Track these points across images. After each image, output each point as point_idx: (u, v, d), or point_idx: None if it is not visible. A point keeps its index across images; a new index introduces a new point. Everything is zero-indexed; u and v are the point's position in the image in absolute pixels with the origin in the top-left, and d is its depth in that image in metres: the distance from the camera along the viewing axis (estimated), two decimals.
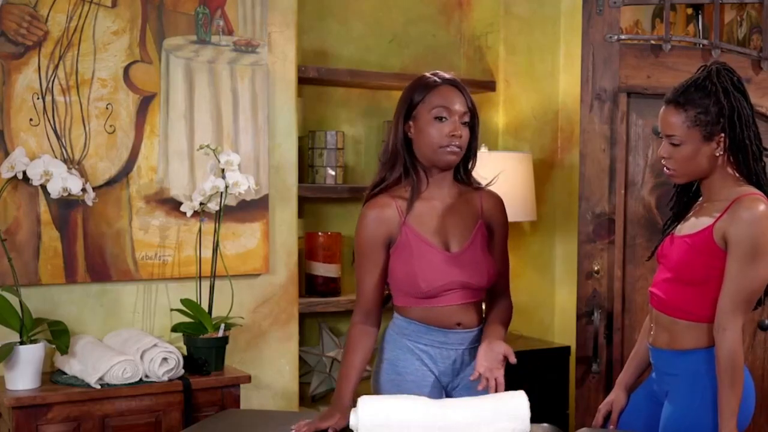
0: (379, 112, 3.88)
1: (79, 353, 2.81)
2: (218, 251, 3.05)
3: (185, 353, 2.95)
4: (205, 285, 3.05)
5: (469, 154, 2.38)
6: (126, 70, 3.04)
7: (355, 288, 2.35)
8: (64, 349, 2.72)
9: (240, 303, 3.20)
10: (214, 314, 3.02)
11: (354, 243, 2.34)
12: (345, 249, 3.63)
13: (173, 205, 3.10)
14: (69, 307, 2.98)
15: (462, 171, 2.39)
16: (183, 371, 2.87)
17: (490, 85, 4.01)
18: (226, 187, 2.98)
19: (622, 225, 3.06)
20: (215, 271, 3.05)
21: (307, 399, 3.67)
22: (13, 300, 2.72)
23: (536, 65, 3.85)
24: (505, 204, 2.46)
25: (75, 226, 2.96)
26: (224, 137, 3.19)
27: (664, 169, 2.29)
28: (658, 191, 3.05)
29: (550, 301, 3.81)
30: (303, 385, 3.62)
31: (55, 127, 2.93)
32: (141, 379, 2.79)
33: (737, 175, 2.24)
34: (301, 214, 3.54)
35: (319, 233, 3.61)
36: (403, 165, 2.31)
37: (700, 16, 3.83)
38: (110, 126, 3.02)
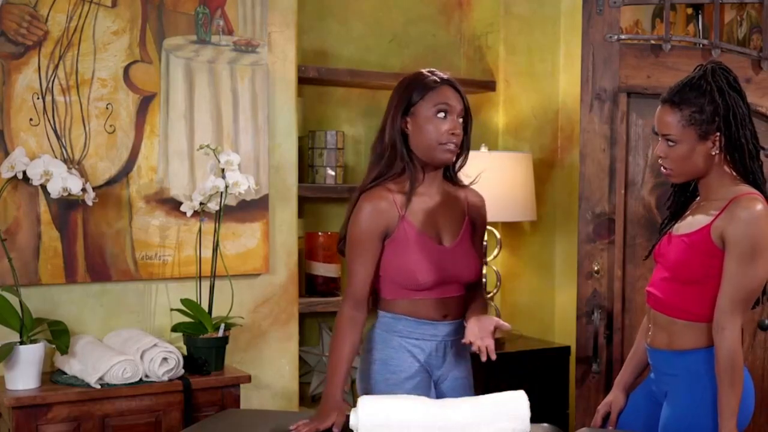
0: (379, 112, 3.84)
1: (79, 353, 2.81)
2: (218, 251, 3.05)
3: (185, 353, 2.95)
4: (205, 285, 3.05)
5: (461, 153, 2.41)
6: (126, 70, 3.04)
7: (347, 277, 2.34)
8: (64, 349, 2.72)
9: (240, 303, 3.20)
10: (214, 314, 3.02)
11: (349, 233, 2.33)
12: None
13: (173, 205, 3.10)
14: (69, 307, 2.98)
15: (451, 169, 2.44)
16: (183, 371, 2.87)
17: (490, 85, 4.01)
18: (226, 187, 2.98)
19: (622, 225, 3.06)
20: (215, 271, 3.05)
21: (307, 399, 3.67)
22: (13, 300, 2.72)
23: (536, 65, 3.85)
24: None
25: (75, 226, 2.96)
26: (224, 137, 3.19)
27: (661, 168, 2.30)
28: (658, 191, 3.05)
29: (550, 301, 3.81)
30: (303, 385, 3.62)
31: (55, 127, 2.93)
32: (141, 379, 2.79)
33: (734, 174, 2.25)
34: (301, 214, 3.54)
35: (319, 233, 3.61)
36: (401, 159, 2.34)
37: (700, 16, 3.83)
38: (110, 126, 3.02)
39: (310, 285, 3.61)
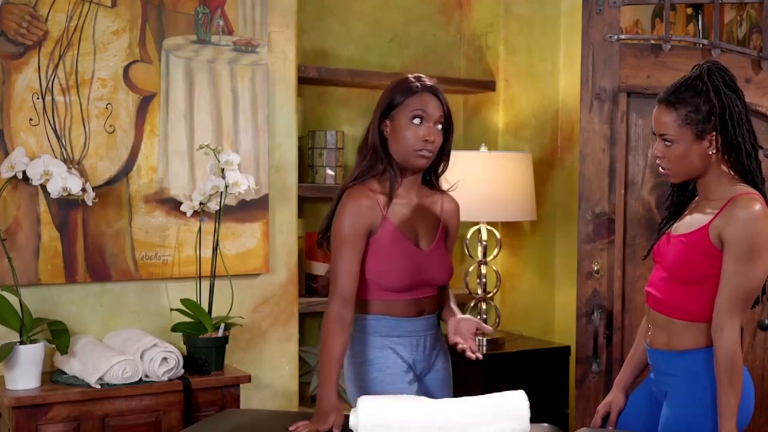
0: None
1: (79, 353, 2.81)
2: (218, 251, 3.05)
3: (185, 353, 2.96)
4: (205, 285, 3.05)
5: (441, 158, 2.44)
6: (126, 69, 3.04)
7: (333, 276, 2.35)
8: (64, 349, 2.72)
9: (240, 303, 3.20)
10: (214, 314, 3.02)
11: (334, 231, 2.35)
12: None
13: (173, 205, 3.10)
14: (69, 307, 2.99)
15: (432, 173, 2.48)
16: (183, 371, 2.87)
17: (490, 85, 4.01)
18: (226, 186, 2.98)
19: (622, 225, 3.06)
20: (215, 271, 3.05)
21: (307, 399, 3.67)
22: (13, 300, 2.72)
23: (536, 65, 3.85)
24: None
25: (75, 226, 2.96)
26: (224, 137, 3.19)
27: (660, 168, 2.30)
28: (657, 191, 3.05)
29: (550, 301, 3.81)
30: (303, 385, 3.62)
31: (55, 126, 2.93)
32: (141, 379, 2.79)
33: (732, 173, 2.25)
34: (301, 213, 3.54)
35: None
36: (381, 162, 2.38)
37: (700, 16, 3.83)
38: (110, 126, 3.02)
39: (310, 285, 3.61)
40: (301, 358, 3.55)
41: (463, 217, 3.53)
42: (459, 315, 2.43)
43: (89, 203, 2.89)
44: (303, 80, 3.54)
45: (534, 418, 2.13)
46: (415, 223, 2.40)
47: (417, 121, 2.33)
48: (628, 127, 3.07)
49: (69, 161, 2.94)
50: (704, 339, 2.22)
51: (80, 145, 2.97)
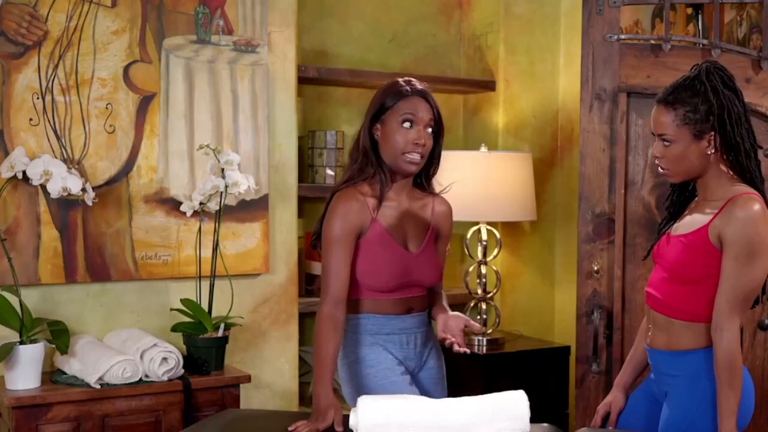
0: None
1: (79, 353, 2.81)
2: (218, 251, 3.05)
3: (185, 353, 2.96)
4: (205, 285, 3.05)
5: (432, 160, 2.46)
6: (126, 69, 3.04)
7: (324, 278, 2.36)
8: (64, 349, 2.71)
9: (240, 303, 3.20)
10: (214, 314, 3.02)
11: (324, 233, 2.37)
12: None
13: (173, 205, 3.10)
14: (69, 307, 2.99)
15: (423, 176, 2.50)
16: (183, 371, 2.87)
17: (490, 85, 4.01)
18: (226, 186, 2.98)
19: (622, 225, 3.06)
20: (215, 271, 3.05)
21: (307, 399, 3.67)
22: (13, 300, 2.72)
23: (536, 65, 3.85)
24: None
25: (75, 226, 2.96)
26: (224, 137, 3.19)
27: (659, 168, 2.31)
28: (657, 191, 3.05)
29: (549, 301, 3.81)
30: (303, 385, 3.62)
31: (54, 126, 2.93)
32: (141, 379, 2.79)
33: (732, 173, 2.25)
34: (301, 213, 3.54)
35: None
36: (371, 165, 2.41)
37: (700, 16, 3.83)
38: (110, 126, 3.02)
39: (310, 285, 3.61)
40: (301, 358, 3.55)
41: (463, 217, 3.55)
42: (448, 312, 2.45)
43: (89, 203, 2.89)
44: (303, 80, 3.54)
45: (534, 418, 2.13)
46: (404, 225, 2.43)
47: (407, 124, 2.36)
48: (628, 127, 3.07)
49: (69, 161, 2.94)
50: (704, 339, 2.22)
51: (80, 145, 2.97)
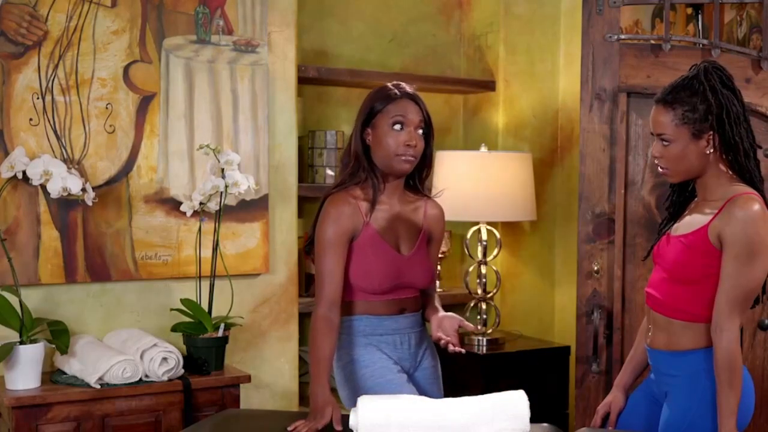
0: None
1: (79, 353, 2.81)
2: (218, 251, 3.05)
3: (185, 353, 2.96)
4: (205, 285, 3.05)
5: (424, 163, 2.48)
6: (126, 69, 3.04)
7: (318, 281, 2.37)
8: (64, 349, 2.72)
9: (240, 303, 3.20)
10: (214, 314, 3.02)
11: (317, 237, 2.39)
12: None
13: (173, 205, 3.10)
14: (69, 307, 2.99)
15: (416, 178, 2.52)
16: (183, 371, 2.87)
17: (490, 85, 4.01)
18: (226, 186, 2.98)
19: (622, 225, 3.06)
20: (215, 271, 3.05)
21: (307, 399, 3.66)
22: (13, 300, 2.72)
23: (536, 65, 3.85)
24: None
25: (75, 226, 2.96)
26: (224, 137, 3.19)
27: (658, 168, 2.31)
28: (657, 191, 3.05)
29: (549, 300, 3.81)
30: (303, 385, 3.62)
31: (54, 126, 2.93)
32: (141, 379, 2.79)
33: (731, 173, 2.25)
34: (300, 213, 3.54)
35: None
36: (363, 170, 2.43)
37: (700, 16, 3.83)
38: (110, 126, 3.02)
39: (310, 285, 3.61)
40: (301, 358, 3.55)
41: (463, 216, 3.55)
42: (442, 313, 2.47)
43: (89, 203, 2.89)
44: (303, 80, 3.54)
45: (534, 418, 2.13)
46: (396, 228, 2.45)
47: (398, 127, 2.38)
48: (628, 127, 3.07)
49: (69, 161, 2.94)
50: (704, 339, 2.22)
51: (80, 145, 2.97)
